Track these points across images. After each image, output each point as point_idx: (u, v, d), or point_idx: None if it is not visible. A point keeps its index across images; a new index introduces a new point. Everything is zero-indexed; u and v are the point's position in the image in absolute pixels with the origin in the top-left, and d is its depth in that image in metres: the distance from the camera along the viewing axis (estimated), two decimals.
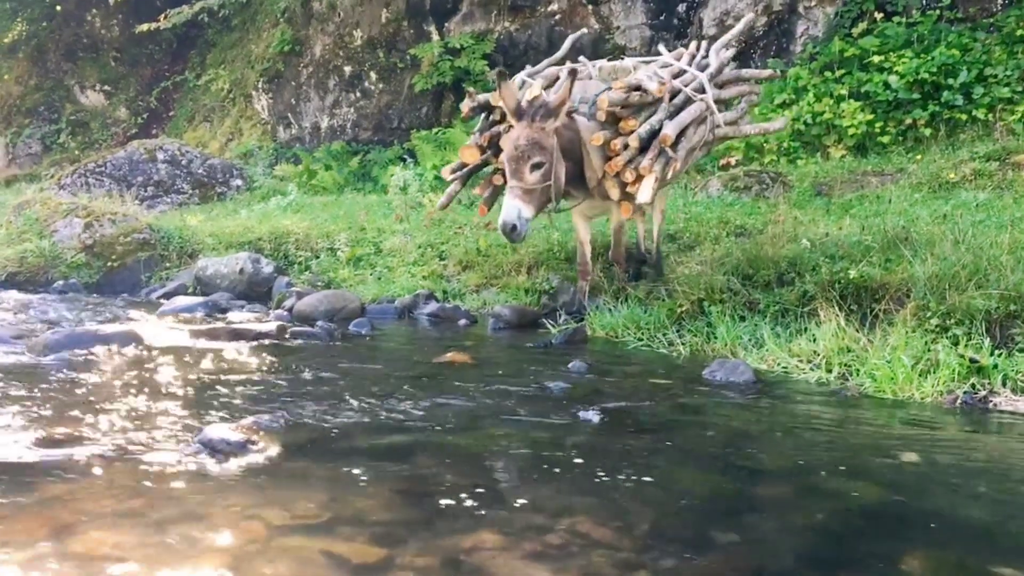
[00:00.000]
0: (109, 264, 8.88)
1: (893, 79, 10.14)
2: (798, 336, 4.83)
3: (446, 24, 14.75)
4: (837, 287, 4.99)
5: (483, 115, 6.24)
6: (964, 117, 9.70)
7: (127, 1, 16.28)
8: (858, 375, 4.32)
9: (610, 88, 5.53)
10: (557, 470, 2.94)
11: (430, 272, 7.83)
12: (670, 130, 5.36)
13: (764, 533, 2.42)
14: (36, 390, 3.77)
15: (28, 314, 6.50)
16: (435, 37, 14.75)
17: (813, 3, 11.84)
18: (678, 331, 5.37)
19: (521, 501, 2.61)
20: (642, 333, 5.52)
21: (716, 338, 5.12)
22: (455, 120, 14.02)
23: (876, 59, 10.46)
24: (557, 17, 13.74)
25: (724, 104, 6.40)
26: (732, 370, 4.39)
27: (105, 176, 12.93)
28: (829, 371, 4.45)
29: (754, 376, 4.37)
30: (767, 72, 7.26)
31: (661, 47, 7.39)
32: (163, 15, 16.13)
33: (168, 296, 7.77)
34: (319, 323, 5.96)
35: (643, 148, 5.35)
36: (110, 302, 7.62)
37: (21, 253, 8.90)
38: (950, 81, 9.85)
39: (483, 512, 2.53)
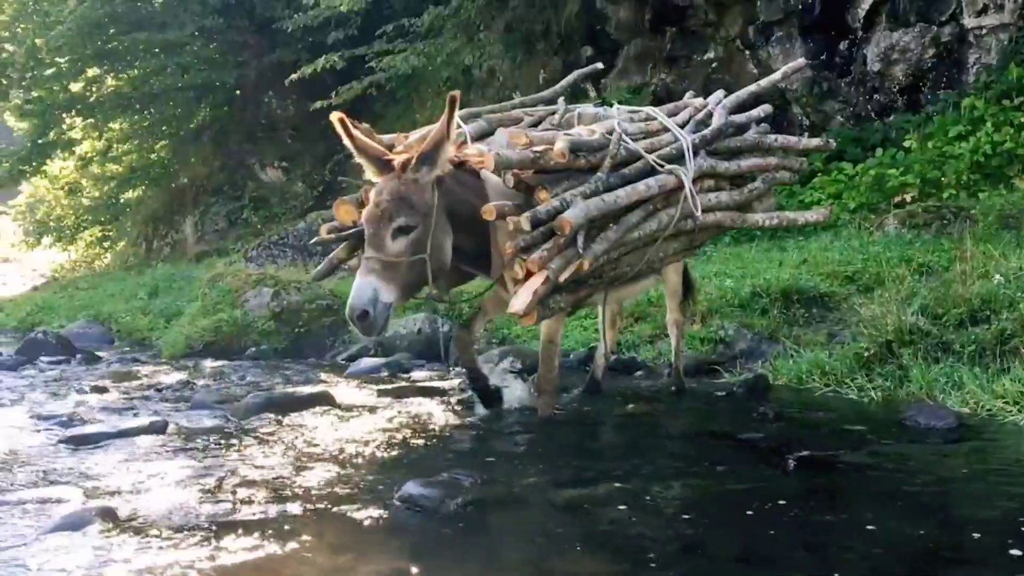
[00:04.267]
0: (296, 330, 9.30)
1: None
2: (1000, 376, 4.57)
3: (603, 80, 14.87)
4: None
5: None
6: None
7: (301, 82, 17.21)
8: None
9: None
10: (759, 520, 2.88)
11: None
12: (573, 215, 3.79)
13: None
14: (242, 452, 3.99)
15: (227, 380, 6.90)
16: (592, 94, 14.90)
17: (984, 31, 11.32)
18: (867, 376, 5.17)
19: (727, 552, 2.58)
20: (828, 379, 5.34)
21: (910, 382, 4.90)
22: None
23: None
24: (714, 65, 13.60)
25: (730, 181, 4.87)
26: (932, 414, 4.20)
27: (287, 247, 13.67)
28: None
29: (956, 420, 4.16)
30: (815, 141, 5.64)
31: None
32: (334, 92, 16.97)
33: (353, 358, 8.06)
34: None
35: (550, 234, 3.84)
36: (300, 366, 7.99)
37: (216, 323, 9.46)
38: None
39: (689, 564, 2.51)
